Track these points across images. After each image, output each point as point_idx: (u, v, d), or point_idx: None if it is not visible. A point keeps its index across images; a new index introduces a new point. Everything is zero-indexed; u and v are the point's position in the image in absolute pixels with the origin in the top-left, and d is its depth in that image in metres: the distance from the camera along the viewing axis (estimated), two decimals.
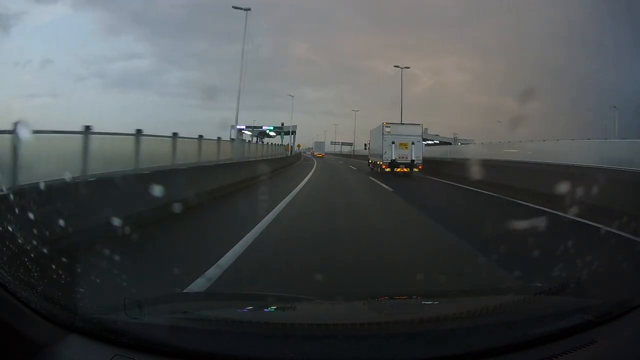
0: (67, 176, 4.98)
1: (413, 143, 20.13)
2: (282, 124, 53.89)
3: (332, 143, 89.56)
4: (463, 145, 35.90)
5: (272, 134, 58.58)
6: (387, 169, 20.23)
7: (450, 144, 44.88)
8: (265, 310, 1.94)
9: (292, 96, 49.17)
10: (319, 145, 76.94)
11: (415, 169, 20.14)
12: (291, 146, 56.40)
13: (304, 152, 73.64)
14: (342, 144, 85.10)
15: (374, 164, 23.09)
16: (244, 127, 54.46)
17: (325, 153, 76.52)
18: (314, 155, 62.23)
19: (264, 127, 55.71)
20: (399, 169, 20.12)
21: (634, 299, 1.65)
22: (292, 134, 54.75)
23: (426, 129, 49.72)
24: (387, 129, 20.75)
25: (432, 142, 50.54)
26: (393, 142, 20.25)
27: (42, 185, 4.43)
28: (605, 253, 4.96)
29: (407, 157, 20.05)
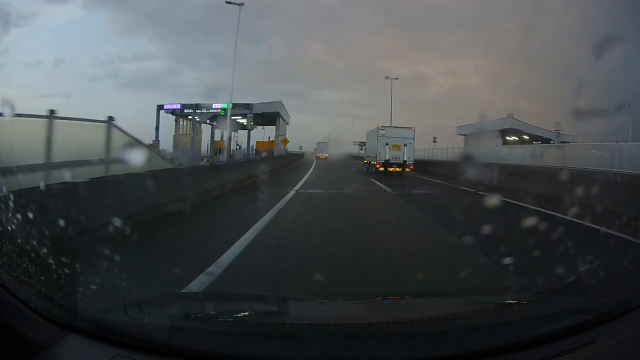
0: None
1: (405, 145, 21.73)
2: (257, 104, 31.47)
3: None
4: (553, 147, 24.94)
5: (241, 120, 36.46)
6: (381, 168, 21.57)
7: (551, 140, 32.42)
8: (265, 310, 1.93)
9: (242, 4, 22.79)
10: (322, 146, 75.93)
11: (407, 169, 21.53)
12: (275, 142, 37.65)
13: (311, 153, 72.40)
14: (359, 143, 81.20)
15: (369, 163, 24.51)
16: (178, 106, 33.63)
17: (332, 155, 75.58)
18: (317, 157, 61.72)
19: (215, 106, 32.60)
20: (391, 169, 21.48)
21: (634, 299, 1.65)
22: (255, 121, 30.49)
23: (511, 114, 37.35)
24: (382, 132, 22.18)
25: (512, 139, 36.29)
26: (387, 144, 21.73)
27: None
28: None
29: (399, 158, 21.61)
